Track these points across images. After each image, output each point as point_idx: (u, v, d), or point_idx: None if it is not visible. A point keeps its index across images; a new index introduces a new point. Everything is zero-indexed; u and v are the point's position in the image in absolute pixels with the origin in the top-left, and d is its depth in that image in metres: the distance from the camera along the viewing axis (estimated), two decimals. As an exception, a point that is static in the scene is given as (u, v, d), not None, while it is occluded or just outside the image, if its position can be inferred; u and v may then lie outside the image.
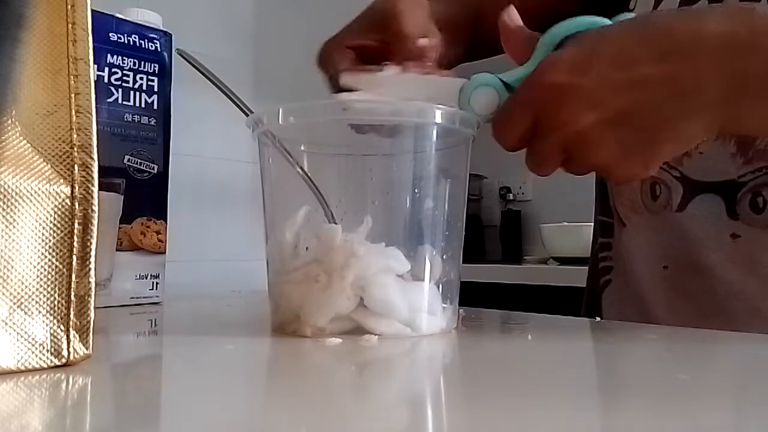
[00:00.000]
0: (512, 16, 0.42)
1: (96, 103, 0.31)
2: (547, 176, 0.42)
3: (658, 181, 0.55)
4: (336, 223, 0.43)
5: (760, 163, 0.50)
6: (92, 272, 0.30)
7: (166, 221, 0.64)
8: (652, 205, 0.57)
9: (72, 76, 0.30)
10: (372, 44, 0.48)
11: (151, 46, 0.63)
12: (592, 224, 0.67)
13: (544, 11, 0.44)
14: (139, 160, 0.62)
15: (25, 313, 0.28)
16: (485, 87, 0.41)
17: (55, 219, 0.29)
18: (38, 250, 0.29)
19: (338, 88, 0.46)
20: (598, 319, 0.56)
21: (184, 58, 0.48)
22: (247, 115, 0.45)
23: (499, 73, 0.41)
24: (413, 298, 0.40)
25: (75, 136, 0.30)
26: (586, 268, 0.68)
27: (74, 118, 0.30)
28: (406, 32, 0.46)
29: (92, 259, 0.30)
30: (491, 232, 2.15)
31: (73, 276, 0.30)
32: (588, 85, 0.37)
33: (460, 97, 0.41)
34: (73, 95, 0.30)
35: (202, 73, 0.47)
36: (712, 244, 0.52)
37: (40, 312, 0.29)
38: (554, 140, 0.39)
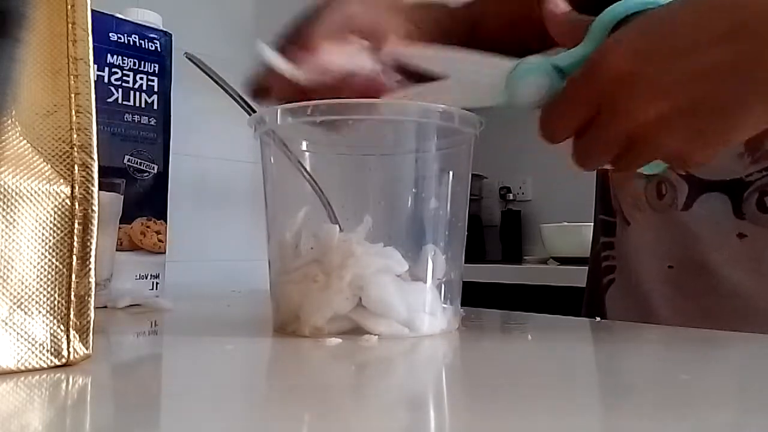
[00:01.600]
0: (559, 4, 0.39)
1: (96, 103, 0.31)
2: (591, 171, 0.40)
3: (664, 179, 0.55)
4: (339, 224, 0.43)
5: (767, 162, 0.50)
6: (92, 272, 0.30)
7: (166, 221, 0.64)
8: (657, 203, 0.56)
9: (72, 76, 0.30)
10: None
11: (151, 46, 0.63)
12: (592, 224, 0.67)
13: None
14: (139, 160, 0.62)
15: (25, 313, 0.28)
16: (537, 71, 0.38)
17: (55, 219, 0.29)
18: (38, 250, 0.29)
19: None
20: (598, 319, 0.56)
21: (192, 61, 0.48)
22: None
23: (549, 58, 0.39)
24: (412, 299, 0.40)
25: (75, 136, 0.30)
26: (586, 268, 0.68)
27: (74, 118, 0.30)
28: (365, 26, 0.45)
29: (92, 259, 0.30)
30: (491, 232, 2.16)
31: (73, 276, 0.30)
32: (656, 74, 0.35)
33: (508, 80, 0.38)
34: (73, 95, 0.30)
35: (210, 77, 0.48)
36: (718, 244, 0.52)
37: (40, 312, 0.29)
38: (618, 131, 0.37)
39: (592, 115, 0.37)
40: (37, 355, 0.28)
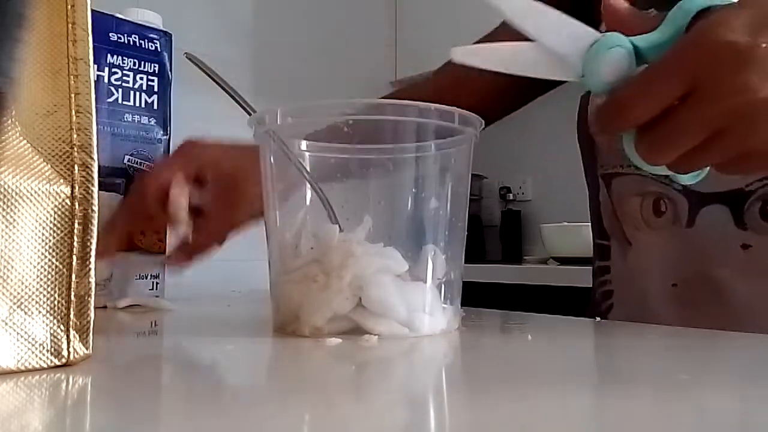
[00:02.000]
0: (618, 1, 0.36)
1: (96, 103, 0.31)
2: (661, 165, 0.35)
3: (662, 196, 0.54)
4: (339, 224, 0.43)
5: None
6: (92, 272, 0.30)
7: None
8: (655, 221, 0.55)
9: (72, 76, 0.30)
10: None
11: (151, 46, 0.63)
12: (591, 226, 0.66)
13: None
14: (139, 160, 0.62)
15: (25, 313, 0.28)
16: (621, 47, 0.34)
17: (55, 219, 0.29)
18: (38, 250, 0.29)
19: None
20: (598, 319, 0.56)
21: (193, 61, 0.49)
22: None
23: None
24: (412, 299, 0.40)
25: (75, 136, 0.30)
26: (586, 268, 0.68)
27: (74, 118, 0.30)
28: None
29: (92, 259, 0.30)
30: (491, 232, 2.15)
31: (73, 276, 0.30)
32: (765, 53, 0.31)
33: (591, 55, 0.34)
34: (73, 95, 0.30)
35: (211, 77, 0.48)
36: (723, 257, 0.52)
37: (40, 312, 0.29)
38: (714, 113, 0.32)
39: (684, 96, 0.33)
40: (37, 355, 0.28)
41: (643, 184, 0.56)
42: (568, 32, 0.35)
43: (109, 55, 0.60)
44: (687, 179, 0.38)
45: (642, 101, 0.33)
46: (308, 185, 0.44)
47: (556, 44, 0.35)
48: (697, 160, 0.35)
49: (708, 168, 0.37)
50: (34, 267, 0.28)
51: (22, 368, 0.28)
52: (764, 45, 0.32)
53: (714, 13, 0.33)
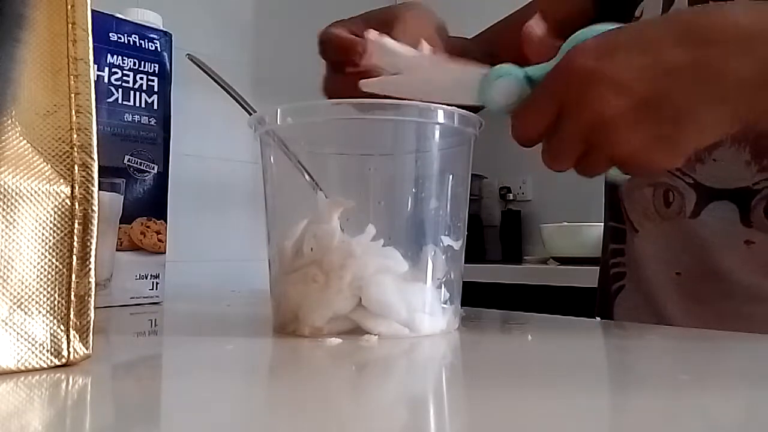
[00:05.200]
0: (538, 24, 0.41)
1: (96, 103, 0.31)
2: (561, 172, 0.41)
3: (672, 188, 0.55)
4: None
5: None
6: (92, 272, 0.30)
7: (166, 221, 0.64)
8: (665, 212, 0.56)
9: (72, 76, 0.30)
10: None
11: (151, 46, 0.63)
12: (592, 224, 0.67)
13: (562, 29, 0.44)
14: (139, 160, 0.62)
15: (25, 313, 0.28)
16: (509, 76, 0.40)
17: (55, 219, 0.29)
18: (38, 250, 0.29)
19: (336, 72, 0.46)
20: (598, 319, 0.56)
21: (194, 62, 0.49)
22: None
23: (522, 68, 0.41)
24: (412, 299, 0.40)
25: (75, 136, 0.30)
26: (586, 268, 0.68)
27: (74, 118, 0.30)
28: (408, 34, 0.46)
29: (92, 259, 0.30)
30: (491, 232, 2.15)
31: (73, 276, 0.30)
32: (615, 69, 0.37)
33: (482, 83, 0.41)
34: (73, 95, 0.30)
35: (212, 78, 0.48)
36: (727, 250, 0.52)
37: (40, 312, 0.29)
38: (578, 127, 0.38)
39: (558, 114, 0.38)
40: (37, 355, 0.28)
41: (656, 174, 0.56)
42: (460, 70, 0.42)
43: (109, 55, 0.60)
44: (609, 176, 0.41)
45: (527, 123, 0.40)
46: (309, 185, 0.44)
47: (456, 75, 0.41)
48: (590, 167, 0.40)
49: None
50: (34, 267, 0.28)
51: (22, 368, 0.28)
52: (610, 67, 0.37)
53: (581, 44, 0.39)
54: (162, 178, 0.64)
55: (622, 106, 0.37)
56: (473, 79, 0.41)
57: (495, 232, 2.13)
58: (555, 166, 0.40)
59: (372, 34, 0.44)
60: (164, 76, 0.64)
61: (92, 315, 0.30)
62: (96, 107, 0.31)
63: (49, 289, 0.29)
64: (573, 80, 0.38)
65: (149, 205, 0.63)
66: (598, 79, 0.37)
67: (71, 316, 0.29)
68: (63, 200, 0.29)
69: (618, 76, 0.37)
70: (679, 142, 0.38)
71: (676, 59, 0.36)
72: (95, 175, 0.30)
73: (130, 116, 0.62)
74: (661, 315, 0.56)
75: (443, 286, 0.42)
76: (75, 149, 0.30)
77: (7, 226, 0.28)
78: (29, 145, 0.29)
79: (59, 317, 0.29)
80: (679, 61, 0.36)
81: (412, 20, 0.49)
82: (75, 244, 0.30)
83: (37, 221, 0.29)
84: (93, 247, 0.30)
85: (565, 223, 1.68)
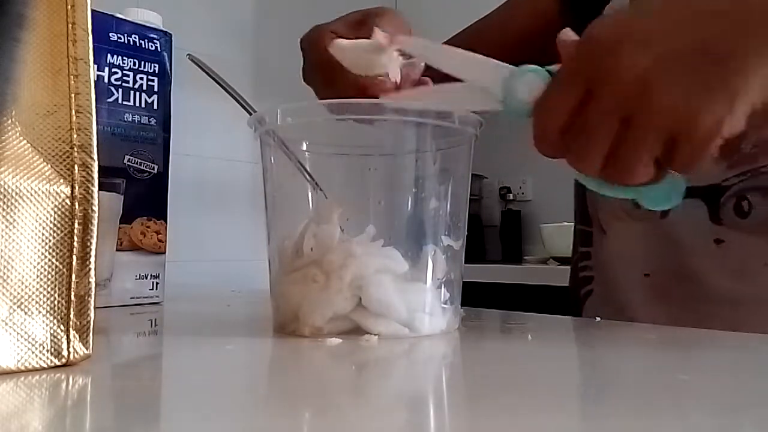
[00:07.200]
0: (569, 34, 0.39)
1: (96, 103, 0.31)
2: (592, 175, 0.36)
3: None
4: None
5: (744, 167, 0.49)
6: (92, 272, 0.30)
7: (166, 221, 0.64)
8: (634, 211, 0.56)
9: (72, 76, 0.30)
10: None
11: (151, 46, 0.63)
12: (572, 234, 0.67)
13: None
14: (139, 160, 0.62)
15: (25, 313, 0.28)
16: (534, 73, 0.38)
17: (55, 219, 0.29)
18: (38, 250, 0.29)
19: (319, 71, 0.47)
20: (598, 319, 0.56)
21: (195, 63, 0.49)
22: None
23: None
24: (412, 299, 0.40)
25: (75, 136, 0.30)
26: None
27: (74, 118, 0.30)
28: (385, 27, 0.46)
29: (92, 259, 0.30)
30: (491, 232, 2.15)
31: (73, 276, 0.30)
32: (642, 23, 0.34)
33: (507, 80, 0.39)
34: (73, 95, 0.30)
35: (213, 78, 0.48)
36: (697, 250, 0.52)
37: (40, 312, 0.29)
38: (611, 99, 0.34)
39: (585, 93, 0.35)
40: (37, 355, 0.28)
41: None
42: (486, 65, 0.40)
43: (109, 55, 0.60)
44: (652, 202, 0.39)
45: (551, 105, 0.36)
46: (309, 185, 0.44)
47: (475, 75, 0.40)
48: (623, 160, 0.35)
49: (677, 198, 0.38)
50: (34, 267, 0.28)
51: (22, 368, 0.28)
52: (637, 29, 0.34)
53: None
54: (162, 178, 0.64)
55: (658, 56, 0.33)
56: (497, 73, 0.39)
57: (495, 232, 2.13)
58: (585, 162, 0.36)
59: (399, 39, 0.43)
60: (164, 76, 0.64)
61: (92, 315, 0.30)
62: (96, 107, 0.31)
63: (49, 289, 0.29)
64: (595, 50, 0.34)
65: (149, 205, 0.63)
66: (626, 35, 0.34)
67: (71, 316, 0.29)
68: (63, 200, 0.29)
69: (647, 27, 0.34)
70: (737, 88, 0.33)
71: (708, 4, 0.34)
72: (95, 175, 0.30)
73: (130, 116, 0.62)
74: (629, 318, 0.56)
75: (443, 286, 0.42)
76: (75, 149, 0.30)
77: (7, 226, 0.28)
78: (29, 145, 0.29)
79: (59, 317, 0.29)
80: (713, 7, 0.33)
81: (387, 17, 0.48)
82: (75, 244, 0.30)
83: (37, 221, 0.29)
84: (93, 247, 0.30)
85: (565, 223, 1.68)
